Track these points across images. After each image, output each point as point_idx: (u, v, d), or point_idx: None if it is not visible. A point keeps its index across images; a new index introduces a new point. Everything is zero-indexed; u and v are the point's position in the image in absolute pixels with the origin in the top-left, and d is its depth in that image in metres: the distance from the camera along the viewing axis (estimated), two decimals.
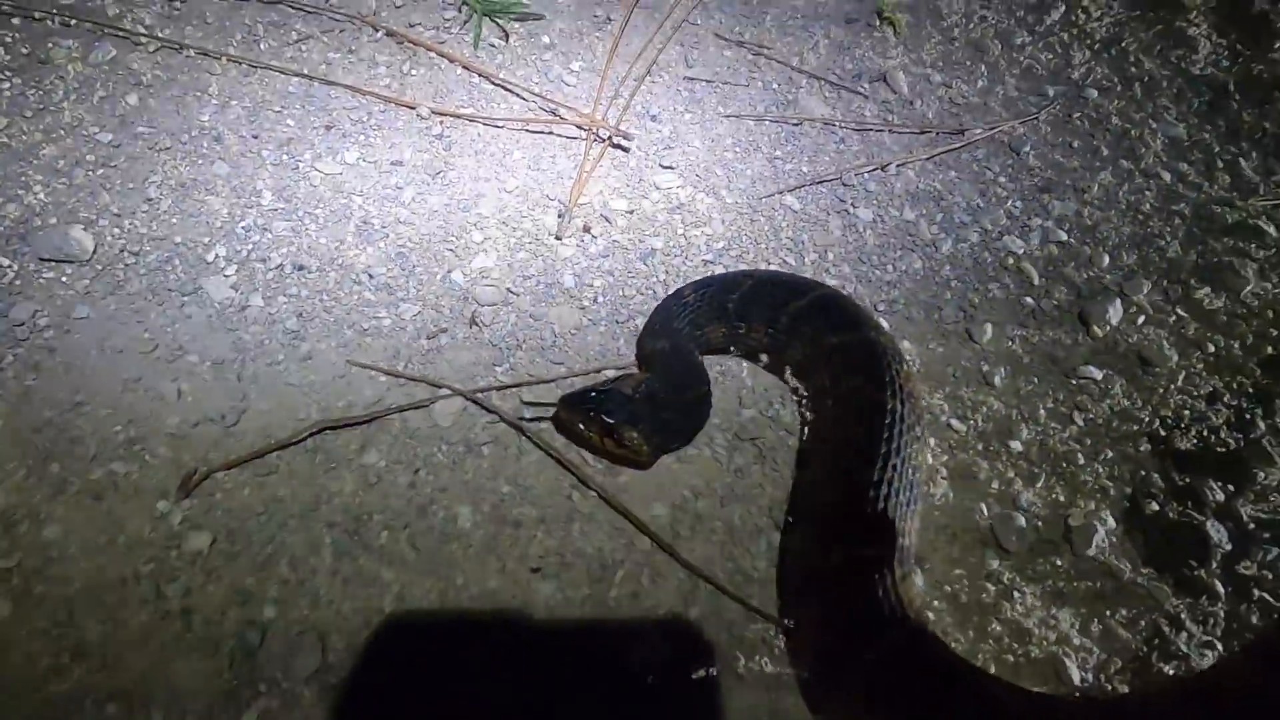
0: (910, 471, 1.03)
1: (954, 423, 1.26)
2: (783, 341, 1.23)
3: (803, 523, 1.10)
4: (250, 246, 1.33)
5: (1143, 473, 1.24)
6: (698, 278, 1.36)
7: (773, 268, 1.43)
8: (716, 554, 1.10)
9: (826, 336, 1.18)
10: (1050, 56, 1.88)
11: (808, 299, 1.22)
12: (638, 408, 1.08)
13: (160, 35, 1.59)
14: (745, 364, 1.30)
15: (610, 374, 1.25)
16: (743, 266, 1.42)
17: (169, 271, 1.29)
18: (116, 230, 1.32)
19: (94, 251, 1.28)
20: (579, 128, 1.58)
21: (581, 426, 1.10)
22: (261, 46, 1.62)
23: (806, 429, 1.21)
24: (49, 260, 1.26)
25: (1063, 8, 1.98)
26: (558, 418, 1.14)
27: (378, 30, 1.67)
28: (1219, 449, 1.28)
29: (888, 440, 1.04)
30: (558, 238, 1.42)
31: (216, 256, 1.31)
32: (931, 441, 1.23)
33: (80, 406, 1.13)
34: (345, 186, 1.44)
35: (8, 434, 1.09)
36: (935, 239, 1.51)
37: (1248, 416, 1.32)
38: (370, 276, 1.32)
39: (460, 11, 1.73)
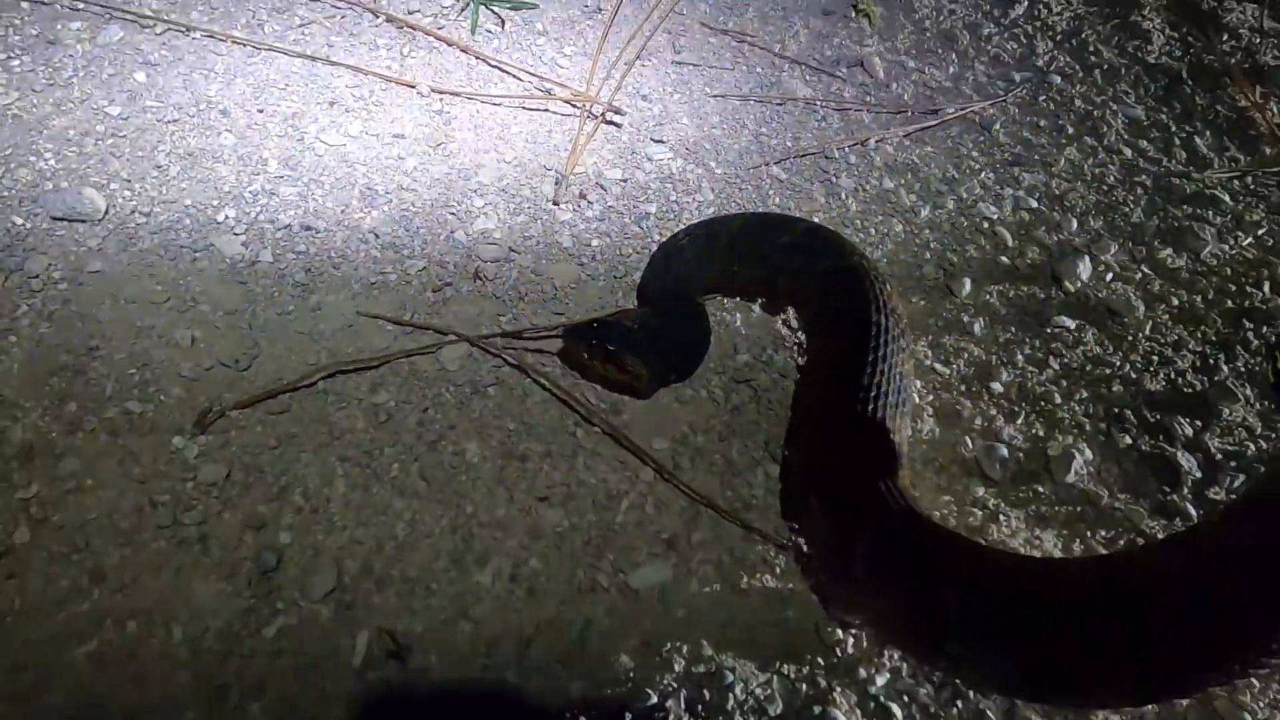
0: (898, 378, 1.12)
1: (937, 366, 1.33)
2: (774, 273, 1.32)
3: (800, 434, 1.15)
4: (259, 209, 1.38)
5: (1115, 410, 1.31)
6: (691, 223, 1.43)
7: None
8: (716, 484, 1.15)
9: (815, 265, 1.27)
10: (1016, 46, 1.99)
11: (797, 232, 1.32)
12: (638, 336, 1.14)
13: (167, 19, 1.64)
14: (739, 314, 1.35)
15: None
16: None
17: (179, 230, 1.32)
18: (127, 193, 1.36)
19: (105, 211, 1.32)
20: (572, 104, 1.65)
21: (585, 355, 1.16)
22: (265, 30, 1.68)
23: (802, 355, 1.28)
24: (61, 219, 1.30)
25: (1026, 3, 2.10)
26: (562, 348, 1.20)
27: (378, 16, 1.74)
28: (1186, 390, 1.35)
29: (875, 349, 1.10)
30: (555, 203, 1.48)
31: (226, 217, 1.35)
32: (913, 362, 1.28)
33: (95, 351, 1.16)
34: (349, 157, 1.49)
35: (25, 377, 1.12)
36: (914, 205, 1.59)
37: (1211, 361, 1.40)
38: (376, 236, 1.37)
39: (457, 0, 1.81)
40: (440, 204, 1.45)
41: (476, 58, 1.71)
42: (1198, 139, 1.84)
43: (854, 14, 1.98)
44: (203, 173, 1.41)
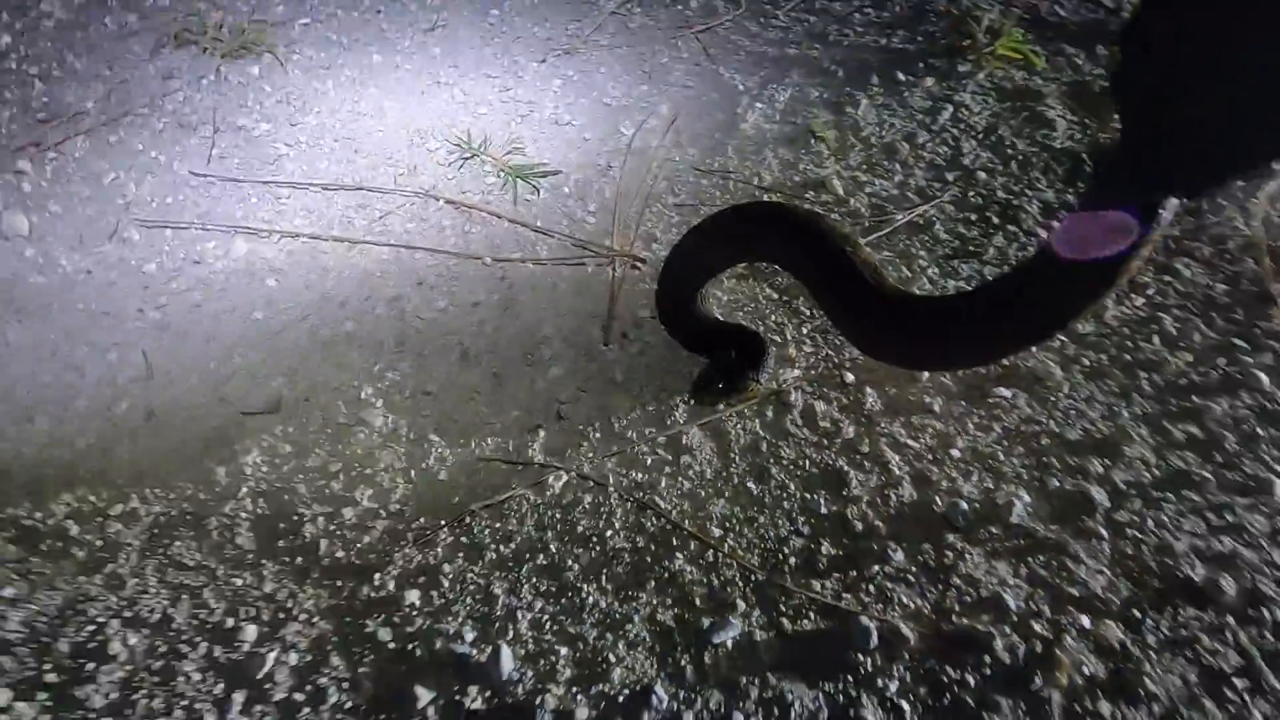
0: (864, 256, 1.68)
1: (909, 441, 1.78)
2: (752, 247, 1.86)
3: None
4: (386, 382, 1.82)
5: (1044, 459, 1.76)
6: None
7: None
8: None
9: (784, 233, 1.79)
10: (946, 149, 2.46)
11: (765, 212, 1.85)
12: (733, 368, 1.66)
13: (277, 228, 2.10)
14: None
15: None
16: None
17: (336, 410, 1.77)
18: (290, 386, 1.80)
19: (280, 401, 1.76)
20: (602, 256, 2.11)
21: (715, 401, 1.71)
22: (355, 225, 2.14)
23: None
24: (249, 413, 1.74)
25: (950, 108, 2.57)
26: (698, 404, 1.77)
27: (440, 200, 2.20)
28: (1096, 435, 1.80)
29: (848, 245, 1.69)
30: (605, 344, 1.93)
31: (365, 394, 1.80)
32: (895, 437, 1.73)
33: (303, 516, 1.60)
34: (443, 327, 1.94)
35: (260, 539, 1.56)
36: None
37: (1114, 409, 1.85)
38: (479, 393, 1.82)
39: (499, 178, 2.27)
40: (519, 359, 1.90)
41: (521, 225, 2.16)
42: None
43: (813, 140, 2.45)
44: (338, 358, 1.86)
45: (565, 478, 1.68)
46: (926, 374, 1.91)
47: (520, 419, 1.78)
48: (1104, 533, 1.64)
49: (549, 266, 2.09)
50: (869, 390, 1.86)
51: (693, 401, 1.76)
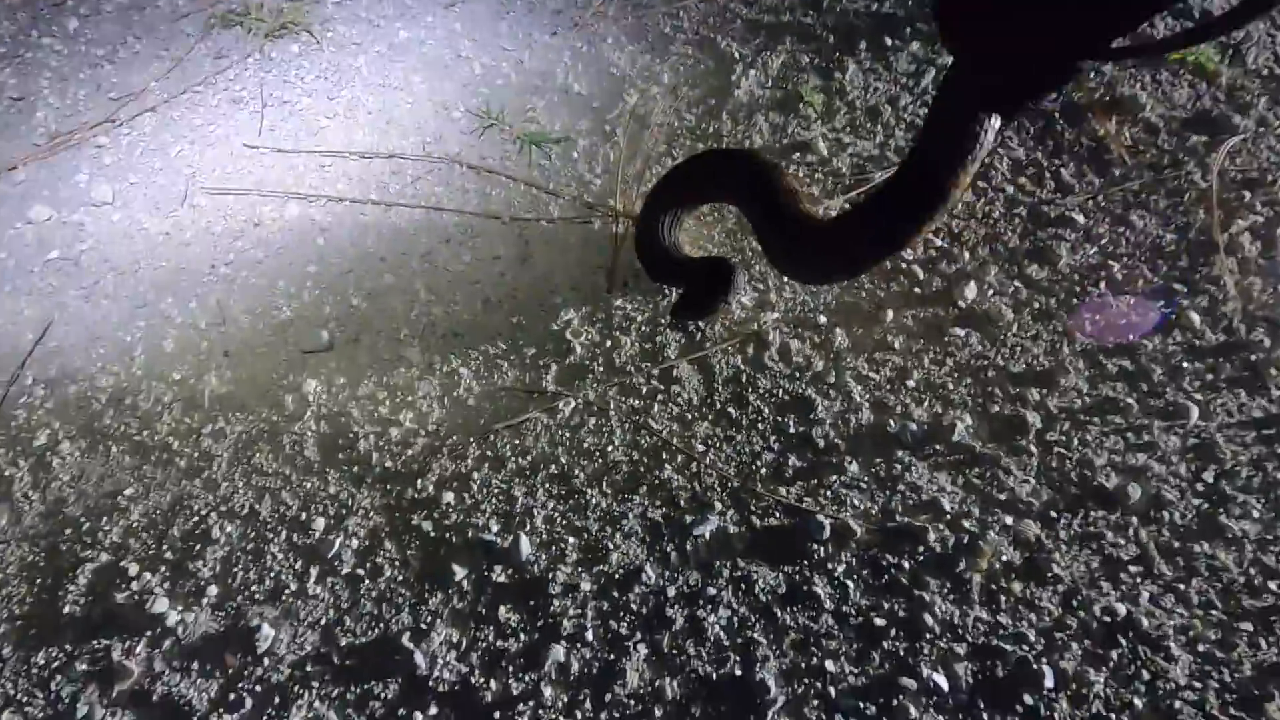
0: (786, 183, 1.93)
1: (871, 374, 2.05)
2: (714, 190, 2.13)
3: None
4: (423, 325, 2.14)
5: (988, 389, 2.02)
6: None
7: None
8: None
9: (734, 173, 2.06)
10: (926, 110, 2.66)
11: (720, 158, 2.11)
12: (702, 291, 1.90)
13: (322, 192, 2.40)
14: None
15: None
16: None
17: (379, 348, 2.09)
18: (340, 332, 2.13)
19: (330, 344, 2.09)
20: (608, 215, 2.38)
21: (690, 324, 2.02)
22: (391, 190, 2.43)
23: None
24: (310, 352, 2.07)
25: (932, 71, 2.76)
26: (677, 327, 2.05)
27: (463, 165, 2.48)
28: (1037, 368, 2.06)
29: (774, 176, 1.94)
30: (608, 291, 2.22)
31: (404, 335, 2.11)
32: (859, 370, 2.01)
33: (357, 439, 1.93)
34: (469, 277, 2.24)
35: (323, 454, 1.90)
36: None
37: (1056, 345, 2.10)
38: (500, 334, 2.12)
39: (515, 144, 2.54)
40: (534, 305, 2.19)
41: (536, 188, 2.44)
42: (1063, 170, 2.50)
43: (801, 104, 2.67)
44: (380, 305, 2.17)
45: (573, 403, 1.99)
46: (890, 315, 2.17)
47: (536, 355, 2.09)
48: (1034, 450, 1.91)
49: (560, 224, 2.37)
50: (838, 330, 2.13)
51: (671, 320, 2.06)
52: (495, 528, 1.78)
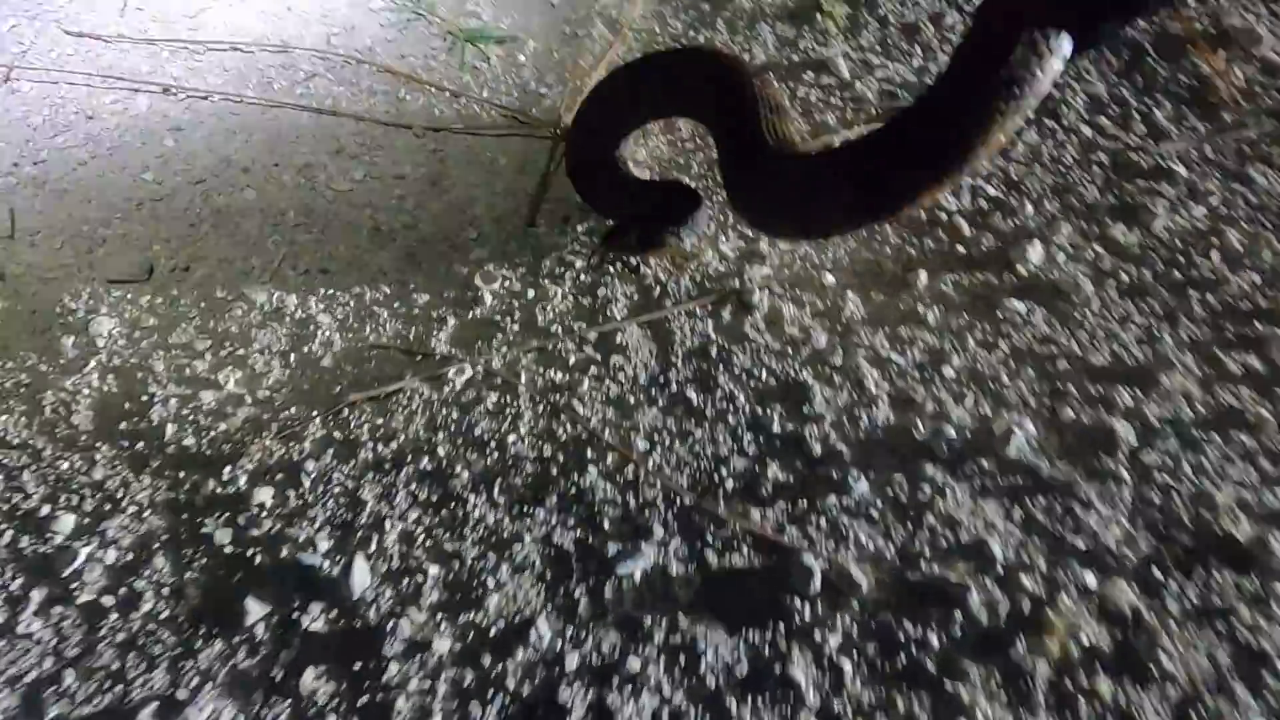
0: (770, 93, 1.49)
1: (893, 356, 1.46)
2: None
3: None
4: (280, 256, 1.56)
5: (1060, 385, 1.43)
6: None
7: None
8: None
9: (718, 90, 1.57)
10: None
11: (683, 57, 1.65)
12: (656, 218, 1.48)
13: (186, 86, 1.83)
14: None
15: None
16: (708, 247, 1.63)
17: (214, 284, 1.52)
18: (168, 253, 1.56)
19: (151, 271, 1.52)
20: (546, 132, 1.80)
21: (624, 251, 1.51)
22: (275, 87, 1.86)
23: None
24: (116, 281, 1.50)
25: None
26: (610, 255, 1.55)
27: (375, 65, 1.91)
28: (1129, 361, 1.46)
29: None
30: (530, 224, 1.63)
31: (253, 267, 1.54)
32: (876, 349, 1.42)
33: (153, 398, 1.36)
34: (357, 199, 1.67)
35: (99, 423, 1.32)
36: None
37: (1155, 333, 1.50)
38: (384, 273, 1.55)
39: (445, 40, 1.96)
40: (439, 239, 1.61)
41: (461, 96, 1.86)
42: (1157, 111, 1.90)
43: (819, 15, 2.08)
44: (231, 227, 1.60)
45: (469, 373, 1.41)
46: (924, 280, 1.57)
47: (430, 304, 1.51)
48: (1125, 475, 1.32)
49: (491, 141, 1.79)
50: (851, 296, 1.54)
51: (595, 253, 1.54)
52: (324, 545, 1.20)
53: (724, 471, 1.31)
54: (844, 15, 2.08)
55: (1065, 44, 1.22)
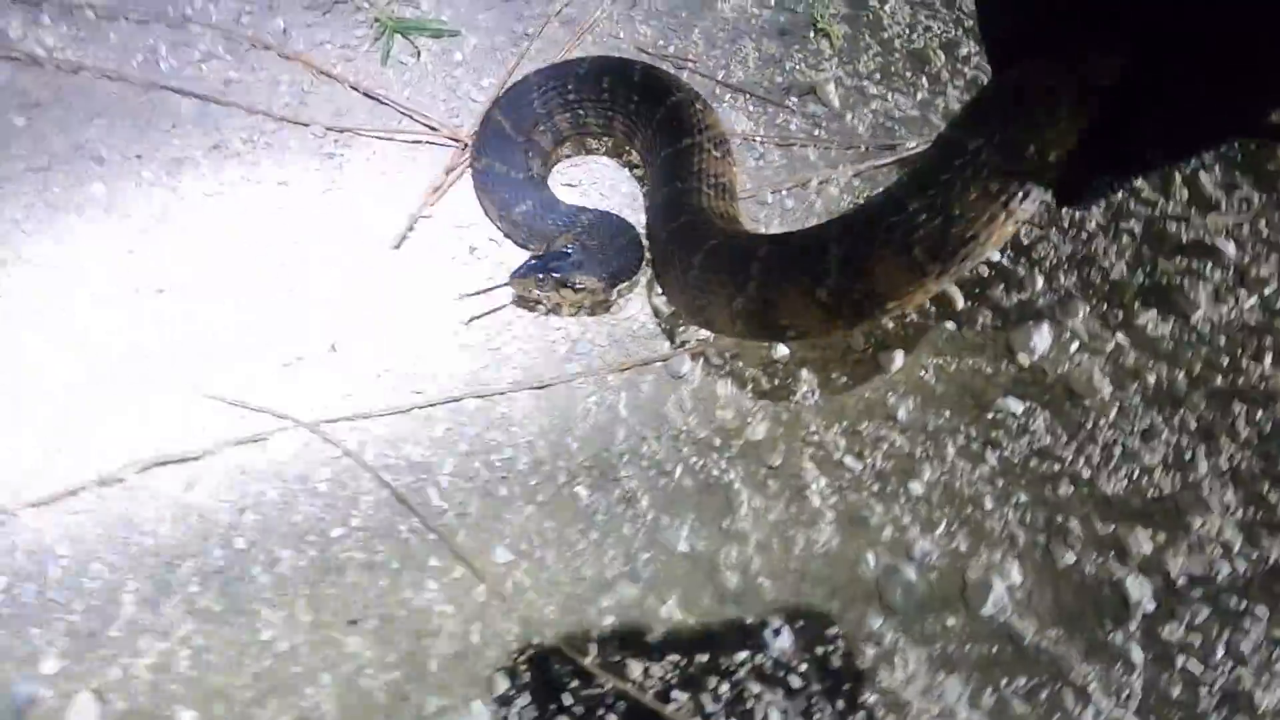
0: (714, 178, 1.29)
1: (848, 460, 1.14)
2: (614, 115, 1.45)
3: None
4: (111, 273, 1.28)
5: (1059, 518, 1.10)
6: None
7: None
8: (556, 610, 0.99)
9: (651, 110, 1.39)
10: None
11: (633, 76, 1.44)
12: (576, 257, 1.22)
13: (59, 57, 1.56)
14: (624, 393, 1.20)
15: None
16: (639, 299, 1.33)
17: (30, 296, 1.23)
18: None
19: None
20: (454, 142, 1.51)
21: (536, 290, 1.21)
22: (162, 67, 1.58)
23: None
24: None
25: None
26: (516, 296, 1.26)
27: (282, 55, 1.63)
28: (1151, 492, 1.14)
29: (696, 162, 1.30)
30: (395, 247, 1.34)
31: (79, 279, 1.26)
32: (827, 449, 1.11)
33: None
34: (223, 208, 1.38)
35: None
36: None
37: (1187, 456, 1.18)
38: (234, 301, 1.26)
39: (371, 28, 1.68)
40: (314, 261, 1.32)
41: (370, 97, 1.57)
42: (1203, 175, 1.59)
43: (813, 34, 1.79)
44: (60, 229, 1.32)
45: (301, 437, 1.11)
46: (898, 362, 1.26)
47: (278, 343, 1.21)
48: (1137, 655, 0.99)
49: (401, 148, 1.50)
50: (805, 375, 1.23)
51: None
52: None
53: (605, 603, 1.00)
54: (842, 35, 1.78)
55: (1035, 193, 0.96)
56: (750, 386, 1.22)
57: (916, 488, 1.12)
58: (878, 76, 1.73)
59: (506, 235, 1.38)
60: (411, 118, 1.53)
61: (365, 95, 1.56)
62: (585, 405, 1.18)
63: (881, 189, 1.09)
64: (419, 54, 1.66)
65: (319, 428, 1.11)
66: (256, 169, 1.44)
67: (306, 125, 1.51)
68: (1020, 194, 0.97)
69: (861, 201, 1.49)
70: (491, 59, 1.68)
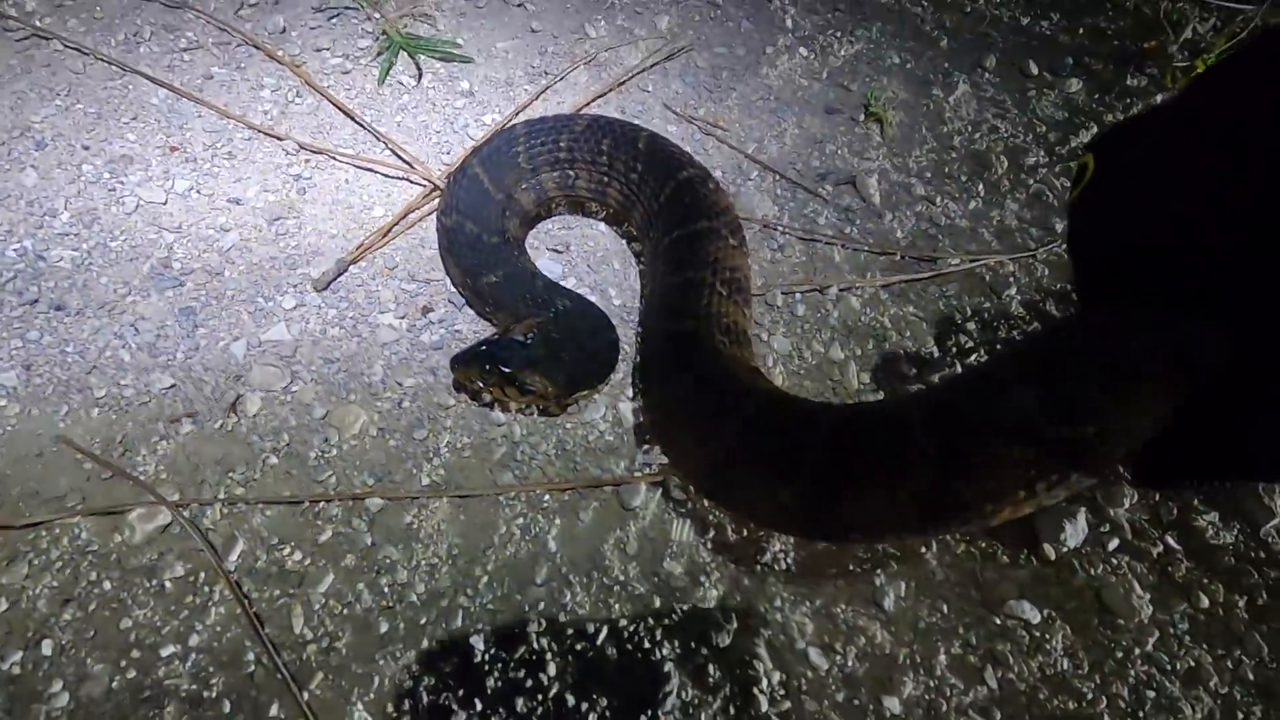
0: (729, 271, 1.10)
1: (813, 654, 0.92)
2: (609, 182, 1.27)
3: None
4: (14, 273, 1.11)
5: None
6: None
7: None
8: None
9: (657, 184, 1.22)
10: (1067, 183, 1.55)
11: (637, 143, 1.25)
12: (535, 350, 1.04)
13: (36, 24, 1.43)
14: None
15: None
16: (606, 399, 1.13)
17: None
18: None
19: None
20: (425, 183, 1.34)
21: (481, 383, 1.03)
22: (142, 50, 1.44)
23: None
24: None
25: (1094, 128, 1.65)
26: (454, 380, 1.09)
27: (271, 57, 1.48)
28: None
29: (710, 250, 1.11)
30: (317, 289, 1.16)
31: None
32: (789, 631, 0.89)
33: None
34: (161, 220, 1.22)
35: None
36: (860, 390, 1.19)
37: (1240, 714, 0.94)
38: (136, 331, 1.09)
39: (376, 41, 1.53)
40: (244, 297, 1.15)
41: (354, 120, 1.41)
42: None
43: (863, 117, 1.59)
44: None
45: (163, 517, 0.92)
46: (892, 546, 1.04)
47: (171, 393, 1.04)
48: None
49: (372, 179, 1.34)
50: (779, 545, 1.01)
51: (458, 368, 1.04)
52: None
53: None
54: (895, 123, 1.59)
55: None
56: (711, 535, 1.01)
57: (892, 705, 0.90)
58: (928, 175, 1.53)
59: (467, 303, 1.19)
60: (394, 150, 1.37)
61: (349, 117, 1.40)
62: (510, 528, 0.98)
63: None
64: (420, 76, 1.50)
65: (187, 508, 0.93)
66: (210, 181, 1.28)
67: (281, 140, 1.35)
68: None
69: (889, 324, 1.28)
70: (502, 94, 1.51)
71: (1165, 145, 0.80)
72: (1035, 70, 1.76)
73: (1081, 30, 1.88)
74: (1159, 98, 1.74)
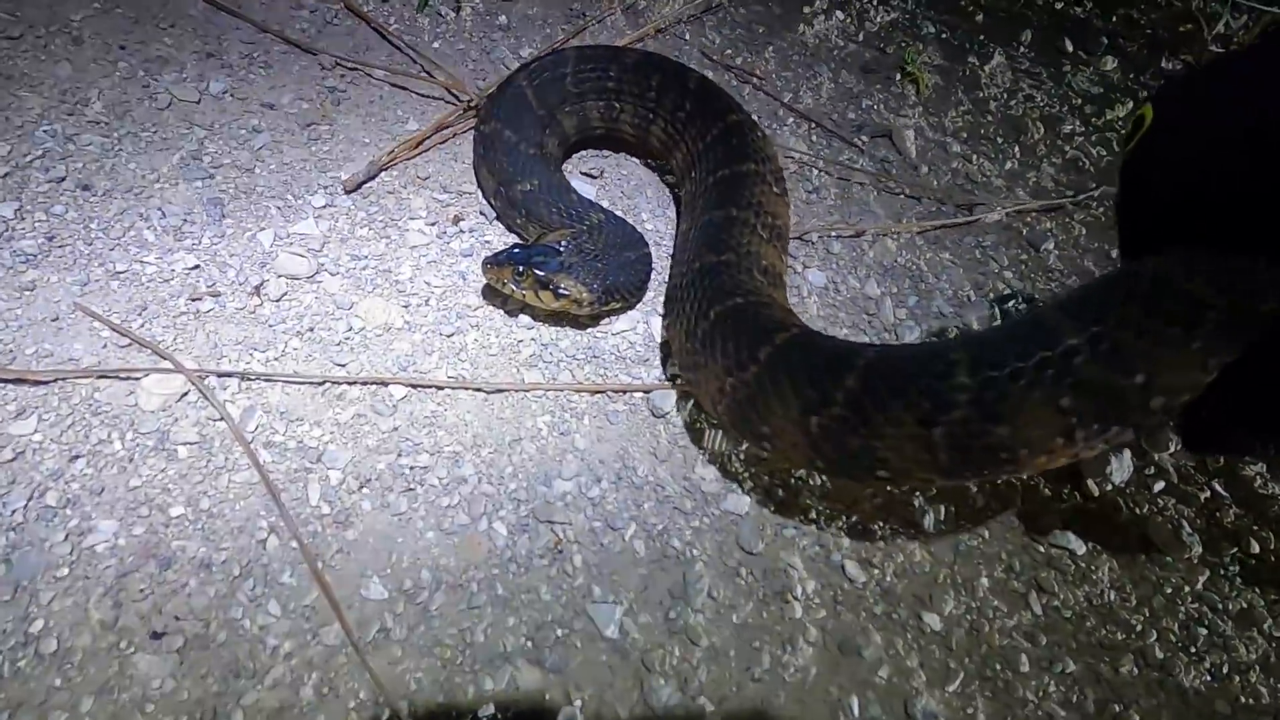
0: (770, 216, 1.06)
1: (850, 566, 0.88)
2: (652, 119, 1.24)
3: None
4: (41, 152, 1.09)
5: (1116, 707, 0.82)
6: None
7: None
8: (426, 676, 0.74)
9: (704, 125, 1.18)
10: (1104, 152, 1.54)
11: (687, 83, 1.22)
12: (568, 258, 1.01)
13: None
14: (575, 428, 0.96)
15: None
16: (638, 313, 1.10)
17: None
18: None
19: None
20: (460, 99, 1.32)
21: (511, 284, 0.99)
22: None
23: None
24: None
25: (1131, 104, 1.65)
26: (485, 284, 1.05)
27: None
28: (1244, 698, 0.85)
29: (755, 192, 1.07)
30: (346, 191, 1.14)
31: None
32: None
33: None
34: (194, 117, 1.20)
35: None
36: (898, 324, 1.16)
37: None
38: (163, 214, 1.06)
39: None
40: (272, 193, 1.12)
41: (391, 42, 1.40)
42: None
43: (899, 77, 1.59)
44: (5, 99, 1.14)
45: (178, 384, 0.88)
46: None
47: (194, 274, 1.01)
48: None
49: (405, 97, 1.32)
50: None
51: (485, 272, 1.02)
52: None
53: (491, 684, 0.74)
54: (931, 85, 1.58)
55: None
56: (745, 446, 0.97)
57: (933, 621, 0.85)
58: (964, 135, 1.52)
59: (498, 215, 1.17)
60: (428, 70, 1.35)
61: (386, 39, 1.39)
62: (536, 424, 0.94)
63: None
64: (460, 7, 1.50)
65: (204, 379, 0.89)
66: (245, 85, 1.27)
67: (315, 55, 1.34)
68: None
69: (925, 267, 1.25)
70: (538, 31, 1.51)
71: (1228, 96, 0.78)
72: (1070, 48, 1.76)
73: (1115, 19, 1.88)
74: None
